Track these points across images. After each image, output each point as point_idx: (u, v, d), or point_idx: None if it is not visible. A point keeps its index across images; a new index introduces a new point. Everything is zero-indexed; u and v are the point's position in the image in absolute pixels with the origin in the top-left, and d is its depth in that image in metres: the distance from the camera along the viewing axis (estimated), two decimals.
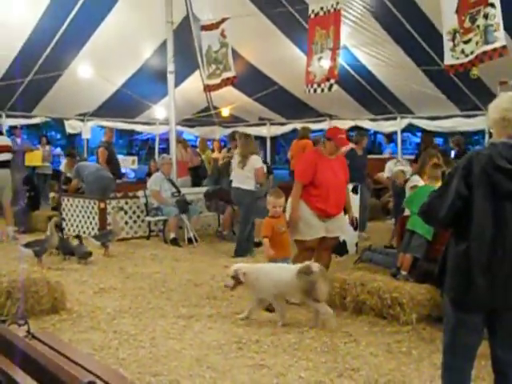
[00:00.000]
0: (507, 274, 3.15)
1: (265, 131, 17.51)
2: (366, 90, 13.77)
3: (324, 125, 15.68)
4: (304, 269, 5.73)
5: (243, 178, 9.61)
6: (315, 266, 5.77)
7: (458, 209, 3.22)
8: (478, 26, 7.73)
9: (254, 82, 14.54)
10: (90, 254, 8.87)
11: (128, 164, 16.27)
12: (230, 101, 15.86)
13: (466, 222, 3.20)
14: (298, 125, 16.61)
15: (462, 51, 8.07)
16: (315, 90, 10.64)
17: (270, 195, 6.60)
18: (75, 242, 9.12)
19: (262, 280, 5.86)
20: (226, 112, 16.69)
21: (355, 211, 9.03)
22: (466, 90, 12.36)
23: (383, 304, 5.90)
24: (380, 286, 5.98)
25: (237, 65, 12.54)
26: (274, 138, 17.98)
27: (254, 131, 17.49)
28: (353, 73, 13.16)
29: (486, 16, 7.57)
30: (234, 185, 9.81)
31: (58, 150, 17.81)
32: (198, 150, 15.00)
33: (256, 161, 9.66)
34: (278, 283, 5.83)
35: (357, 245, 9.09)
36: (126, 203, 11.28)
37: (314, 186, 6.63)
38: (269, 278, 5.86)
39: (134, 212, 11.35)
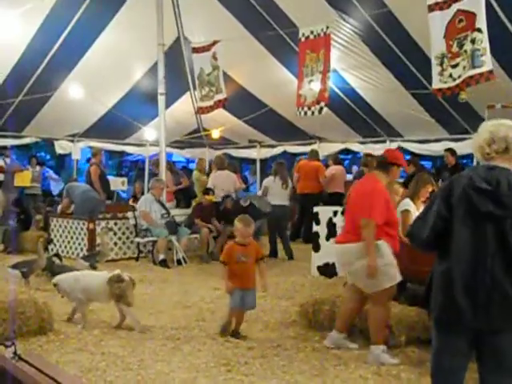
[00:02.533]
0: (489, 294, 3.16)
1: (255, 153, 17.55)
2: (356, 113, 13.87)
3: (314, 147, 15.74)
4: (115, 277, 6.35)
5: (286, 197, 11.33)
6: (125, 275, 6.43)
7: (439, 230, 3.30)
8: (466, 51, 7.83)
9: (244, 104, 14.62)
10: None
11: (118, 185, 16.23)
12: (220, 123, 15.92)
13: (447, 243, 3.26)
14: (287, 147, 16.69)
15: (450, 75, 8.17)
16: (306, 113, 10.73)
17: (238, 221, 6.14)
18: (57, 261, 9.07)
19: (73, 287, 6.50)
20: (216, 134, 16.73)
21: None
22: (454, 113, 12.47)
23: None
24: (369, 309, 5.96)
25: (227, 87, 12.62)
26: (263, 161, 18.02)
27: (243, 153, 17.59)
28: (342, 96, 13.26)
29: (473, 41, 7.68)
30: (279, 203, 11.27)
31: (51, 172, 17.71)
32: (195, 170, 14.86)
33: None
34: (88, 290, 6.44)
35: None
36: (115, 224, 11.25)
37: (388, 223, 5.45)
38: (79, 284, 6.50)
39: (124, 233, 11.32)
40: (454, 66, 8.02)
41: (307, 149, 15.75)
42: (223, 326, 6.22)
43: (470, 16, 7.76)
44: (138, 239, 11.07)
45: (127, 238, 11.34)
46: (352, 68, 12.27)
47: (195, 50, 12.59)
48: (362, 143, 15.46)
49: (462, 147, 13.11)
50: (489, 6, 8.69)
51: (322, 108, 10.48)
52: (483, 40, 7.60)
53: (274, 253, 11.54)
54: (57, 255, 9.38)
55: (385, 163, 5.70)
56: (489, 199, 3.16)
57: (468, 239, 3.21)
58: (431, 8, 8.26)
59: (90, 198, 11.85)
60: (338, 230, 9.05)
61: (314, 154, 13.71)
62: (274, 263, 10.73)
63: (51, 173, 17.60)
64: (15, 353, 2.84)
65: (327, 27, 10.34)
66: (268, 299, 7.79)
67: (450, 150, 12.39)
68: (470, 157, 14.41)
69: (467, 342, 3.29)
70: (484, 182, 3.20)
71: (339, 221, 9.13)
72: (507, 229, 3.14)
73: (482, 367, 3.35)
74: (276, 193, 11.56)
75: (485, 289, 3.17)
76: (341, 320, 5.79)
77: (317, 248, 9.58)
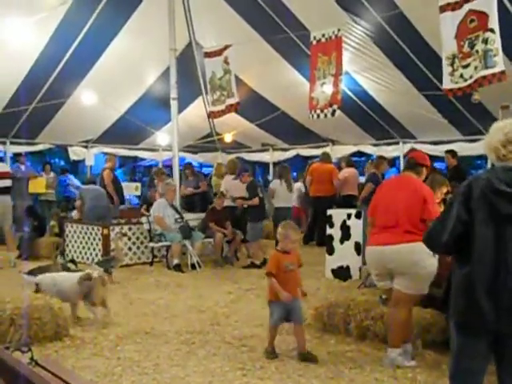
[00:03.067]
0: (504, 299, 3.14)
1: (268, 157, 17.56)
2: (368, 115, 13.85)
3: (327, 150, 15.73)
4: (85, 276, 6.63)
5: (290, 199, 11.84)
6: (95, 274, 6.72)
7: (459, 233, 3.25)
8: (477, 51, 7.80)
9: (256, 107, 14.63)
10: None
11: (131, 190, 16.30)
12: (232, 127, 15.94)
13: (468, 246, 3.22)
14: (300, 150, 16.68)
15: (461, 76, 8.14)
16: (318, 116, 10.72)
17: (284, 228, 5.73)
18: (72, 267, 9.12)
19: (50, 287, 6.73)
20: (228, 138, 16.76)
21: (358, 237, 9.04)
22: (467, 114, 12.42)
23: (387, 330, 5.86)
24: (384, 312, 5.94)
25: (239, 91, 12.64)
26: (276, 164, 18.03)
27: (256, 157, 17.61)
28: (355, 98, 13.24)
29: (485, 41, 7.65)
30: (284, 205, 11.71)
31: (73, 180, 17.73)
32: (213, 175, 14.86)
33: None
34: (61, 290, 6.66)
35: (360, 269, 9.07)
36: (130, 229, 11.29)
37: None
38: (54, 285, 6.75)
39: (138, 238, 11.35)
40: (465, 67, 7.99)
41: (320, 152, 15.76)
42: (268, 349, 5.70)
43: (482, 16, 7.73)
44: (152, 244, 11.10)
45: (141, 242, 11.37)
46: (364, 70, 12.26)
47: (207, 55, 12.63)
48: (374, 145, 15.44)
49: (476, 148, 13.05)
50: (501, 5, 8.69)
51: (334, 111, 10.47)
52: (496, 40, 7.57)
53: None
54: (72, 261, 9.44)
55: (414, 164, 5.74)
56: (509, 201, 3.14)
57: (489, 242, 3.17)
58: (443, 9, 8.23)
59: (99, 206, 11.95)
60: (353, 233, 9.05)
61: (326, 157, 13.69)
62: None
63: (73, 180, 17.64)
64: (32, 358, 2.85)
65: (339, 30, 10.34)
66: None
67: (451, 152, 12.31)
68: (484, 158, 14.32)
69: (487, 345, 3.26)
70: (503, 183, 3.17)
71: (353, 223, 9.12)
72: None
73: (501, 370, 3.32)
74: (282, 195, 11.91)
75: (507, 291, 3.14)
76: (397, 335, 5.44)
77: (331, 251, 9.55)
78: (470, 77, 7.98)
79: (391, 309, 5.46)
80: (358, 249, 9.00)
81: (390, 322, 5.49)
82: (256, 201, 10.95)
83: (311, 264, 10.71)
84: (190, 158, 18.81)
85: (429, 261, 5.11)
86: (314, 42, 10.70)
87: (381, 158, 12.11)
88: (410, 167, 5.77)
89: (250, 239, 11.09)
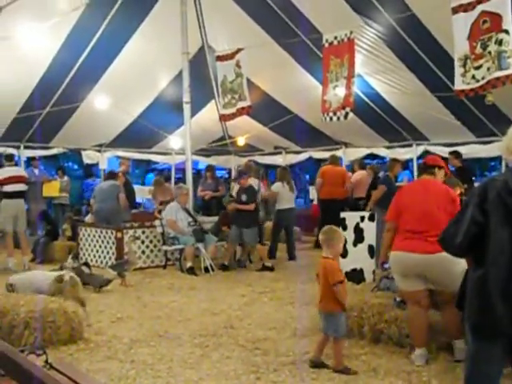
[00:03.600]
0: None
1: (280, 160, 17.55)
2: (381, 118, 13.80)
3: (340, 153, 15.70)
4: (57, 277, 6.89)
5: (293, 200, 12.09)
6: (67, 276, 6.96)
7: (474, 235, 3.23)
8: (490, 52, 7.77)
9: (269, 111, 14.63)
10: (110, 281, 8.94)
11: (144, 194, 16.34)
12: (245, 130, 15.95)
13: (483, 248, 3.19)
14: (313, 153, 16.66)
15: (473, 77, 8.11)
16: (331, 119, 10.71)
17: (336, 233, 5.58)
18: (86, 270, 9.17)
19: (27, 287, 6.85)
20: (241, 141, 16.77)
21: (372, 240, 9.01)
22: (481, 116, 12.34)
23: (401, 333, 5.84)
24: (398, 315, 5.92)
25: (252, 94, 12.65)
26: (289, 167, 18.02)
27: (269, 160, 17.61)
28: (367, 100, 13.21)
29: (499, 42, 7.61)
30: (289, 206, 11.99)
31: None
32: (232, 181, 14.90)
33: None
34: (38, 289, 6.78)
35: (374, 272, 9.04)
36: (143, 233, 11.33)
37: None
38: (31, 283, 6.92)
39: (151, 241, 11.39)
40: (477, 68, 7.96)
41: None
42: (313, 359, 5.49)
43: (495, 17, 7.69)
44: (165, 247, 11.13)
45: (155, 246, 11.40)
46: (376, 72, 12.22)
47: (219, 58, 12.65)
48: (388, 148, 15.38)
49: (490, 150, 12.97)
50: None
51: (347, 113, 10.45)
52: (510, 42, 7.53)
53: (273, 254, 11.98)
54: (86, 264, 9.49)
55: (426, 167, 5.86)
56: None
57: (504, 244, 3.14)
58: (455, 10, 8.21)
59: (105, 209, 11.99)
60: (366, 236, 9.01)
61: (335, 160, 13.68)
62: (300, 269, 10.70)
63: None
64: (46, 361, 2.87)
65: (351, 32, 10.32)
66: (296, 306, 7.78)
67: (454, 153, 12.22)
68: (497, 159, 14.24)
69: (503, 348, 3.23)
70: None
71: (366, 226, 9.08)
72: None
73: None
74: (285, 197, 12.05)
75: None
76: (420, 336, 5.52)
77: (344, 254, 9.50)
78: (482, 78, 7.95)
79: (443, 310, 5.44)
80: (372, 252, 8.96)
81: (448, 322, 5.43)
82: (252, 206, 10.97)
83: None
84: (202, 161, 18.86)
85: (460, 266, 5.05)
86: (327, 45, 10.69)
87: (394, 160, 12.07)
88: (424, 171, 5.85)
89: (247, 244, 11.10)
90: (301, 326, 6.80)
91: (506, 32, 7.57)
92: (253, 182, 11.90)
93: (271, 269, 10.62)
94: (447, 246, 3.48)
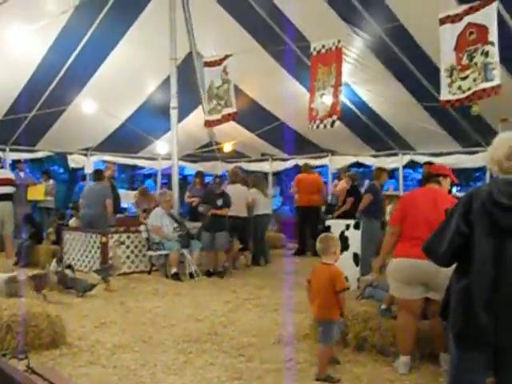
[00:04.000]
0: (510, 309, 3.13)
1: (267, 167, 17.58)
2: (368, 127, 13.89)
3: (326, 160, 15.78)
4: (11, 278, 7.29)
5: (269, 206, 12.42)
6: (21, 276, 7.43)
7: (458, 245, 3.25)
8: (476, 64, 7.84)
9: (256, 117, 14.67)
10: (94, 286, 8.89)
11: (130, 199, 16.29)
12: (232, 136, 15.97)
13: (467, 258, 3.22)
14: (299, 161, 16.72)
15: (459, 87, 8.18)
16: (318, 126, 10.75)
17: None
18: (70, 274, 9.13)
19: None
20: (228, 147, 16.78)
21: (357, 248, 9.04)
22: (466, 126, 12.44)
23: (385, 341, 5.86)
24: (382, 323, 5.94)
25: (239, 101, 12.68)
26: (276, 174, 18.05)
27: (256, 167, 17.63)
28: (354, 109, 13.28)
29: (485, 54, 7.68)
30: (265, 212, 12.26)
31: None
32: None
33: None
34: None
35: (358, 280, 9.06)
36: (128, 237, 11.28)
37: None
38: None
39: (136, 246, 11.34)
40: (464, 79, 8.04)
41: (319, 162, 15.86)
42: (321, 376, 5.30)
43: (482, 29, 7.77)
44: (150, 252, 11.09)
45: (140, 251, 11.36)
46: (364, 81, 12.30)
47: (207, 64, 12.67)
48: (374, 156, 15.46)
49: (475, 160, 13.08)
50: (500, 17, 8.75)
51: (334, 121, 10.50)
52: (495, 53, 7.61)
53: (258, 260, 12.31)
54: (69, 266, 9.40)
55: (431, 176, 5.86)
56: (509, 214, 3.14)
57: (488, 255, 3.16)
58: (442, 21, 8.28)
59: (88, 214, 11.93)
60: (351, 244, 9.03)
61: (308, 168, 13.97)
62: (285, 276, 10.71)
63: None
64: (28, 366, 2.85)
65: (339, 41, 10.38)
66: (281, 313, 7.78)
67: (429, 163, 12.35)
68: (482, 170, 14.34)
69: (486, 358, 3.25)
70: (504, 196, 3.17)
71: (351, 234, 9.11)
72: None
73: (500, 383, 3.31)
74: (262, 203, 12.28)
75: (505, 305, 3.14)
76: (408, 345, 5.51)
77: None
78: (468, 89, 8.02)
79: (433, 320, 5.44)
80: (356, 260, 9.00)
81: (436, 332, 5.45)
82: (226, 211, 11.04)
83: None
84: (189, 166, 18.85)
85: (445, 272, 5.10)
86: (314, 53, 10.74)
87: (380, 169, 12.14)
88: (430, 180, 5.84)
89: (218, 248, 11.09)
90: (285, 333, 6.80)
91: (492, 44, 7.65)
92: (241, 188, 11.91)
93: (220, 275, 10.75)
94: (431, 255, 3.49)
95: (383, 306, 6.14)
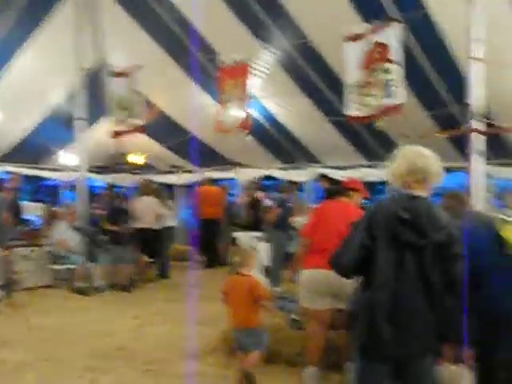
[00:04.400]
0: (410, 322, 3.25)
1: (175, 178, 17.49)
2: (276, 140, 14.07)
3: (232, 173, 15.89)
4: None
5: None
6: None
7: (361, 258, 3.34)
8: (379, 81, 8.11)
9: (165, 129, 14.58)
10: None
11: (34, 210, 15.77)
12: (141, 148, 15.79)
13: (370, 271, 3.32)
14: (209, 173, 16.73)
15: (364, 104, 8.43)
16: (225, 138, 10.83)
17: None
18: None
19: None
20: (137, 159, 16.58)
21: (265, 260, 9.14)
22: (371, 140, 12.82)
23: (293, 352, 5.93)
24: (290, 334, 6.02)
25: (148, 112, 12.57)
26: (186, 186, 17.96)
27: (165, 179, 17.49)
28: (263, 122, 13.43)
29: (386, 71, 7.96)
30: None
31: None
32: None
33: None
34: None
35: None
36: (32, 251, 10.94)
37: None
38: None
39: (40, 260, 11.00)
40: (368, 95, 8.28)
41: (226, 175, 15.95)
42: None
43: (385, 48, 8.05)
44: (55, 266, 10.80)
45: (44, 265, 11.03)
46: (273, 95, 12.47)
47: (115, 75, 12.50)
48: (282, 169, 15.64)
49: (378, 174, 13.47)
50: (406, 39, 9.12)
51: (243, 134, 10.61)
52: (396, 72, 7.88)
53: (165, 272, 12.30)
54: None
55: (342, 189, 6.04)
56: (409, 229, 3.26)
57: (390, 267, 3.27)
58: (347, 39, 8.51)
59: None
60: (260, 256, 9.11)
61: (209, 181, 14.44)
62: (193, 289, 10.66)
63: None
64: None
65: (247, 55, 10.51)
66: (189, 326, 7.74)
67: (324, 177, 12.82)
68: (384, 183, 14.79)
69: (390, 369, 3.34)
70: (404, 211, 3.29)
71: (260, 247, 9.20)
72: (426, 258, 3.25)
73: None
74: (166, 215, 12.48)
75: (406, 316, 3.25)
76: (316, 355, 5.60)
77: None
78: (373, 106, 8.27)
79: (340, 330, 5.51)
80: (266, 272, 9.09)
81: (342, 342, 5.51)
82: (120, 227, 11.08)
83: (217, 287, 10.71)
84: (97, 178, 18.46)
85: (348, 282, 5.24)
86: (222, 66, 10.82)
87: (288, 182, 12.38)
88: (340, 193, 5.99)
89: (125, 262, 10.99)
90: (194, 347, 6.77)
91: (392, 62, 7.93)
92: (152, 200, 11.82)
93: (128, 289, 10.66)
94: (336, 267, 3.57)
95: (293, 317, 6.23)
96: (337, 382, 5.51)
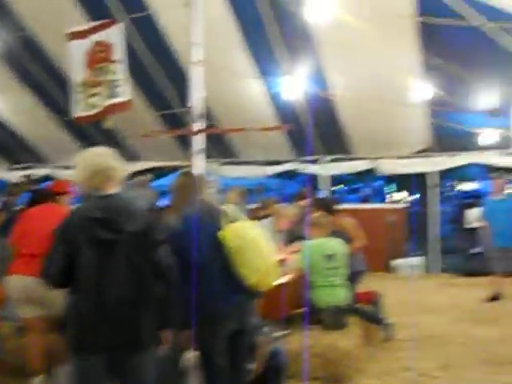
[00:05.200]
0: (121, 315, 3.34)
1: None
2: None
3: None
4: None
5: None
6: None
7: (65, 266, 3.35)
8: (105, 81, 8.10)
9: None
10: None
11: None
12: None
13: (76, 275, 3.34)
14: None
15: (90, 104, 8.35)
16: None
17: None
18: None
19: None
20: None
21: None
22: (101, 139, 12.69)
23: (20, 361, 5.68)
24: (19, 343, 5.78)
25: None
26: None
27: None
28: None
29: (112, 71, 7.98)
30: None
31: None
32: None
33: None
34: None
35: None
36: None
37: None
38: None
39: None
40: (94, 95, 8.23)
41: None
42: None
43: (109, 47, 8.04)
44: None
45: None
46: None
47: None
48: (11, 170, 14.83)
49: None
50: (134, 41, 9.28)
51: None
52: (121, 72, 7.94)
53: None
54: None
55: (51, 193, 5.92)
56: (103, 226, 3.35)
57: (92, 269, 3.32)
58: (69, 37, 8.34)
59: None
60: None
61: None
62: None
63: None
64: None
65: None
66: None
67: (26, 177, 12.85)
68: None
69: (105, 365, 3.37)
70: (98, 210, 3.38)
71: None
72: (128, 250, 3.36)
73: None
74: None
75: (116, 311, 3.32)
76: (38, 363, 5.31)
77: None
78: (99, 105, 8.23)
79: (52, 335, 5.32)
80: None
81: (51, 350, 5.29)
82: None
83: None
84: None
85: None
86: None
87: (14, 184, 11.84)
88: (48, 197, 5.85)
89: None
90: None
91: (117, 62, 7.97)
92: None
93: None
94: (45, 278, 3.51)
95: (18, 325, 5.98)
96: None
